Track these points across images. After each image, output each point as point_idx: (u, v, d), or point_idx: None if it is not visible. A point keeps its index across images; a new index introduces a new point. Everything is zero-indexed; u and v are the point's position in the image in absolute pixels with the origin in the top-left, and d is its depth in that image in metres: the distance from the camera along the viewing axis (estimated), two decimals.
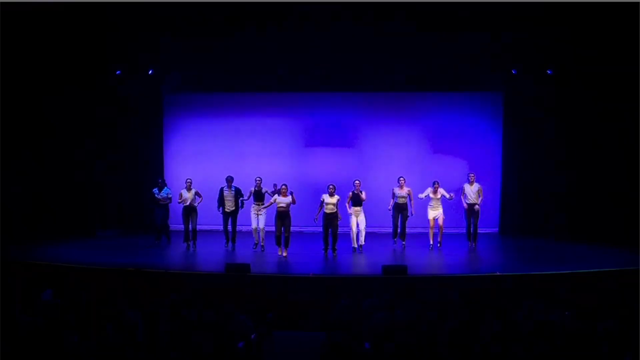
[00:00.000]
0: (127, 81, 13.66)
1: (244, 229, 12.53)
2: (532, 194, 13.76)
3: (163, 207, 12.50)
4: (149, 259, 11.02)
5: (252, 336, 6.82)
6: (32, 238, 12.37)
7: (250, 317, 7.14)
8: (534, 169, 13.75)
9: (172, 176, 13.96)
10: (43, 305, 7.36)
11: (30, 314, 7.05)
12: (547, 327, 6.60)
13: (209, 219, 13.09)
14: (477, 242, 12.21)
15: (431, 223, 12.03)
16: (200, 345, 6.01)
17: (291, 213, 11.33)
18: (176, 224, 12.91)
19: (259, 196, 11.81)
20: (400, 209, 11.93)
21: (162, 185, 12.53)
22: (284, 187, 11.36)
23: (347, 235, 11.88)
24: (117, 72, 13.46)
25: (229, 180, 11.94)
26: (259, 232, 11.81)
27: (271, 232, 11.63)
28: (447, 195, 11.94)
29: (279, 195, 11.32)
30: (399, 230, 12.05)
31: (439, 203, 11.98)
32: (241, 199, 11.85)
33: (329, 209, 11.26)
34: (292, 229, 11.38)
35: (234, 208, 11.95)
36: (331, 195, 11.28)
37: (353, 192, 11.60)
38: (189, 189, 12.09)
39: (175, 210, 12.73)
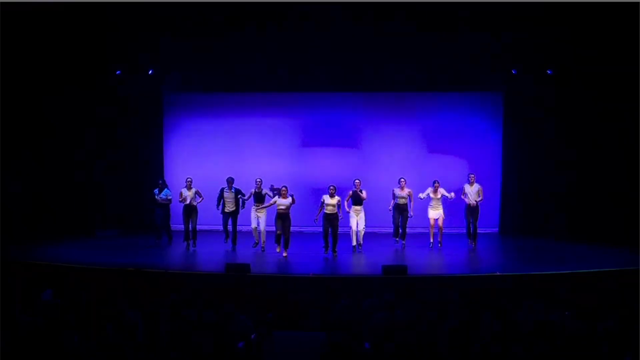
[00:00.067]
0: (127, 81, 13.65)
1: (244, 229, 12.54)
2: (532, 194, 13.76)
3: (163, 207, 12.51)
4: (149, 259, 11.01)
5: (252, 336, 6.83)
6: (32, 238, 12.36)
7: (250, 317, 7.14)
8: (534, 169, 13.74)
9: (172, 176, 13.93)
10: (43, 305, 7.36)
11: (30, 314, 7.05)
12: (547, 327, 6.61)
13: (209, 219, 13.07)
14: (477, 242, 12.21)
15: (432, 222, 12.05)
16: (200, 345, 6.02)
17: (291, 214, 11.35)
18: (176, 223, 12.91)
19: (259, 198, 11.82)
20: (400, 210, 11.92)
21: (162, 186, 12.53)
22: (284, 188, 11.37)
23: (347, 235, 11.88)
24: (117, 72, 13.46)
25: (230, 181, 11.94)
26: (259, 233, 11.83)
27: (271, 232, 11.68)
28: (448, 195, 11.94)
29: (279, 197, 11.34)
30: (400, 231, 12.06)
31: (440, 203, 11.98)
32: (242, 197, 11.85)
33: (329, 209, 11.26)
34: (292, 229, 11.40)
35: (234, 208, 11.95)
36: (332, 196, 11.27)
37: (353, 191, 11.61)
38: (189, 188, 12.11)
39: (176, 210, 12.74)
